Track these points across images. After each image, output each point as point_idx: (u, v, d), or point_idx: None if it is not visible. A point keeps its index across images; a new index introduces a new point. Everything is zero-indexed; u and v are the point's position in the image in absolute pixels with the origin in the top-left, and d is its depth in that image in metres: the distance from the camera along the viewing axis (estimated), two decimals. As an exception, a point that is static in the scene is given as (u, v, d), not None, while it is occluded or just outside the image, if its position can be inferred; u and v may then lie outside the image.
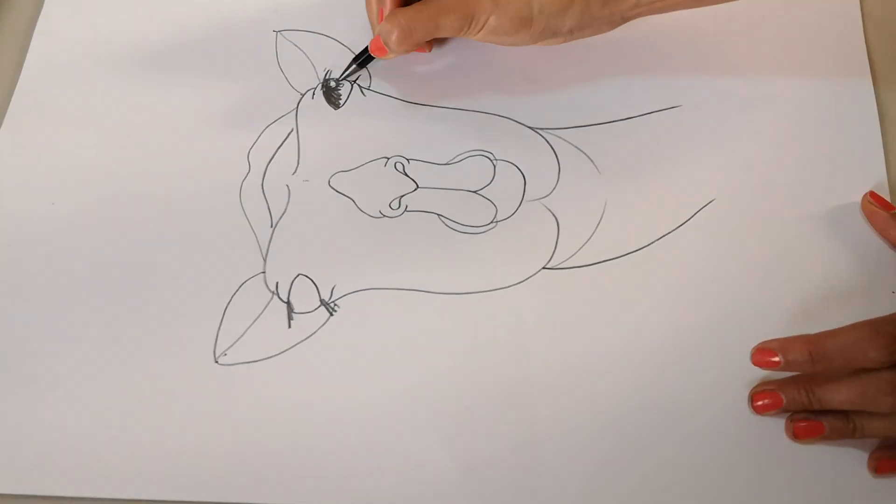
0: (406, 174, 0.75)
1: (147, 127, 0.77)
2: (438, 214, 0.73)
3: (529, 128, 0.77)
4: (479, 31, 0.70)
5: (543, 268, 0.71)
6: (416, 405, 0.66)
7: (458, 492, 0.63)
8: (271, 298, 0.70)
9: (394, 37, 0.71)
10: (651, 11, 0.72)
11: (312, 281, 0.70)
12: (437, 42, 0.79)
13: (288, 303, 0.69)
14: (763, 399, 0.64)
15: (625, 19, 0.72)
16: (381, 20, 0.73)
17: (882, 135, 0.75)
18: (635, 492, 0.63)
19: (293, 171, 0.75)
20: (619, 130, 0.76)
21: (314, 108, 0.78)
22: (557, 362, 0.67)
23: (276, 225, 0.73)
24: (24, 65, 0.81)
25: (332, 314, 0.69)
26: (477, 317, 0.69)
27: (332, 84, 0.79)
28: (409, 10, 0.70)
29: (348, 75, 0.79)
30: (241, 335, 0.68)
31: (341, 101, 0.78)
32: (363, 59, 0.78)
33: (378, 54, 0.74)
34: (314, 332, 0.68)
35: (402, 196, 0.74)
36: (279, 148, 0.76)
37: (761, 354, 0.63)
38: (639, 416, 0.65)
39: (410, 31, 0.70)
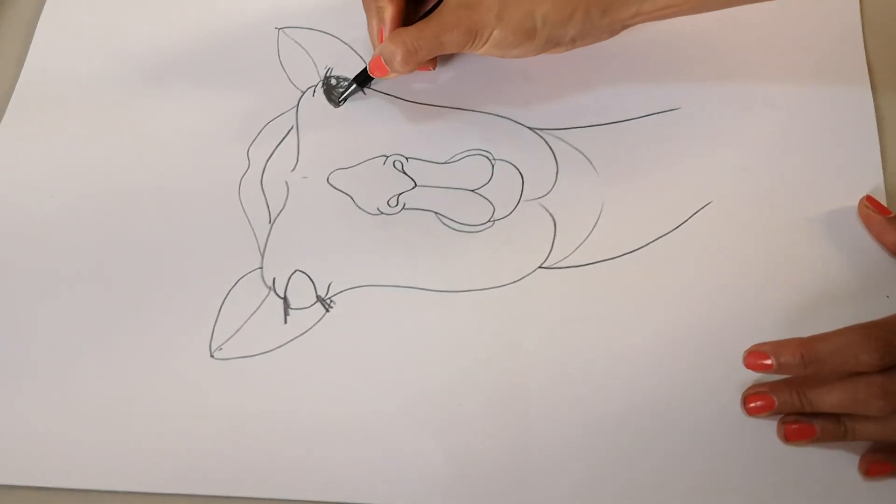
0: (404, 172, 0.75)
1: (147, 122, 0.78)
2: (436, 213, 0.73)
3: (528, 128, 0.77)
4: (483, 46, 0.70)
5: (539, 267, 0.71)
6: (410, 402, 0.66)
7: (449, 489, 0.63)
8: (268, 294, 0.70)
9: (398, 57, 0.70)
10: (651, 19, 0.71)
11: (309, 277, 0.70)
12: (440, 56, 0.79)
13: (284, 298, 0.70)
14: (755, 401, 0.64)
15: (625, 27, 0.73)
16: (382, 41, 0.72)
17: (880, 139, 0.75)
18: (627, 492, 0.63)
19: (292, 167, 0.75)
20: (618, 131, 0.76)
21: (314, 106, 0.78)
22: (551, 361, 0.67)
23: (275, 221, 0.73)
24: (27, 59, 0.81)
25: (328, 310, 0.69)
26: (472, 315, 0.69)
27: (333, 82, 0.79)
28: (413, 29, 0.70)
29: (348, 96, 0.78)
30: (238, 330, 0.68)
31: (341, 100, 0.79)
32: (363, 79, 0.77)
33: (378, 74, 0.74)
34: (310, 328, 0.69)
35: (400, 194, 0.74)
36: (279, 145, 0.76)
37: (754, 357, 0.63)
38: (632, 417, 0.65)
39: (415, 50, 0.70)
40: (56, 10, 0.84)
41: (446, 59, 0.80)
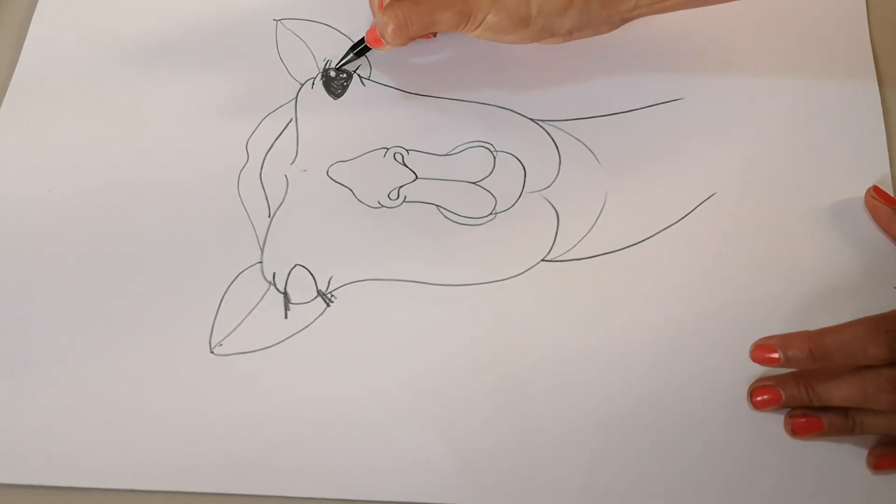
0: (405, 165, 0.74)
1: (145, 115, 0.77)
2: (437, 205, 0.73)
3: (530, 119, 0.76)
4: (476, 28, 0.70)
5: (542, 260, 0.70)
6: (412, 397, 0.66)
7: (454, 484, 0.63)
8: (268, 289, 0.69)
9: (390, 29, 0.70)
10: (651, 12, 0.71)
11: (309, 271, 0.70)
12: (444, 35, 0.79)
13: (285, 293, 0.69)
14: (762, 395, 0.64)
15: (624, 20, 0.72)
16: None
17: (886, 129, 0.74)
18: (633, 486, 0.63)
19: (291, 160, 0.74)
20: (621, 123, 0.76)
21: (314, 98, 0.78)
22: (555, 355, 0.67)
23: (274, 215, 0.72)
24: (22, 51, 0.80)
25: (328, 305, 0.69)
26: (475, 309, 0.69)
27: (332, 74, 0.78)
28: (408, 2, 0.70)
29: (344, 64, 0.78)
30: (238, 325, 0.68)
31: (341, 91, 0.78)
32: (360, 48, 0.77)
33: (374, 45, 0.74)
34: (311, 323, 0.68)
35: (401, 187, 0.73)
36: (278, 137, 0.76)
37: (761, 351, 0.62)
38: (637, 411, 0.65)
39: (406, 24, 0.69)
40: (52, 3, 0.83)
41: (447, 48, 0.79)
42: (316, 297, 0.69)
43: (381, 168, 0.74)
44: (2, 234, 0.72)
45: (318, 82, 0.78)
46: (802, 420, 0.63)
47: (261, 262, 0.70)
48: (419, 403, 0.65)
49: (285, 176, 0.74)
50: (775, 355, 0.62)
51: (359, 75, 0.79)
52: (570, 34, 0.71)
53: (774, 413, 0.64)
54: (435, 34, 0.77)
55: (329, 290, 0.69)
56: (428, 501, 0.63)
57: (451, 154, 0.75)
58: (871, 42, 0.79)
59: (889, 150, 0.74)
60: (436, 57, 0.79)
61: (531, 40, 0.71)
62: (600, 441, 0.64)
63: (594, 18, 0.70)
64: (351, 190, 0.73)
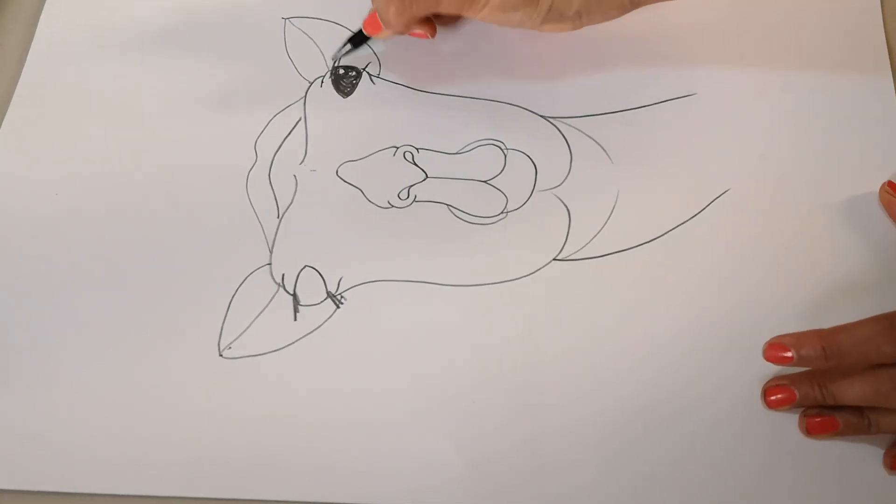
0: (415, 164, 0.74)
1: (153, 115, 0.77)
2: (448, 205, 0.72)
3: (541, 116, 0.76)
4: (482, 9, 0.68)
5: (554, 259, 0.70)
6: (422, 399, 0.65)
7: (463, 485, 0.63)
8: (277, 290, 0.69)
9: (392, 9, 0.68)
10: None
11: (319, 273, 0.69)
12: (446, 28, 0.78)
13: (294, 295, 0.69)
14: (776, 394, 0.63)
15: (634, 4, 0.70)
16: None
17: (900, 124, 0.74)
18: (646, 487, 0.63)
19: (301, 160, 0.74)
20: (633, 119, 0.75)
21: (323, 97, 0.77)
22: (567, 355, 0.66)
23: (283, 215, 0.72)
24: (30, 49, 0.80)
25: (338, 307, 0.68)
26: (486, 309, 0.68)
27: (341, 72, 0.78)
28: None
29: (343, 55, 0.77)
30: (246, 328, 0.67)
31: (350, 90, 0.77)
32: (358, 38, 0.76)
33: (373, 33, 0.73)
34: (320, 325, 0.68)
35: (411, 186, 0.73)
36: (287, 137, 0.75)
37: (774, 350, 0.62)
38: (649, 411, 0.65)
39: (409, 3, 0.68)
40: (58, 4, 0.83)
41: (457, 45, 0.79)
42: (325, 299, 0.69)
43: (391, 167, 0.74)
44: (9, 236, 0.72)
45: (327, 80, 0.78)
46: (817, 419, 0.62)
47: (269, 264, 0.70)
48: (429, 405, 0.65)
49: (294, 176, 0.73)
50: (788, 354, 0.61)
51: (368, 73, 0.78)
52: (579, 17, 0.70)
53: (789, 413, 0.64)
54: (433, 33, 0.75)
55: (339, 292, 0.69)
56: (438, 504, 0.63)
57: (462, 152, 0.74)
58: (886, 34, 0.78)
59: (904, 145, 0.73)
60: (446, 54, 0.79)
61: (539, 21, 0.69)
62: (612, 441, 0.64)
63: (603, 0, 0.69)
64: (360, 190, 0.73)
